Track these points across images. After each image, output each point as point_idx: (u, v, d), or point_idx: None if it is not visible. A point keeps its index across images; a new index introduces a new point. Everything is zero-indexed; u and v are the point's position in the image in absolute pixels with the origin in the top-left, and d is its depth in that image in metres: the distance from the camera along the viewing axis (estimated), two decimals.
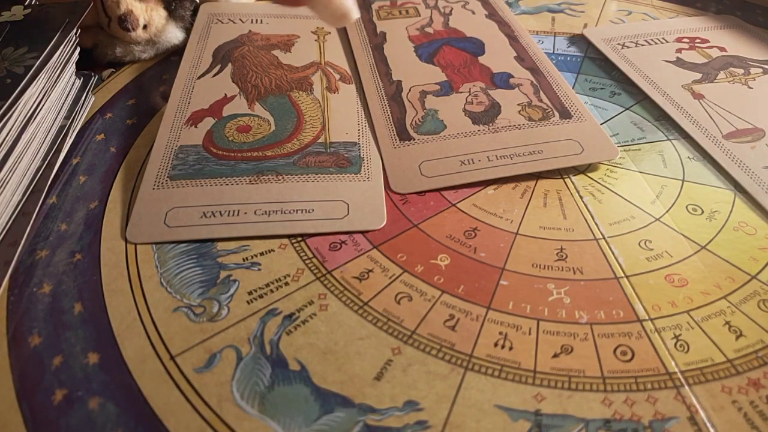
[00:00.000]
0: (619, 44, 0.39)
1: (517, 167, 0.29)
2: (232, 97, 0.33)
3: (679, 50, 0.38)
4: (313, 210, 0.27)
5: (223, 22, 0.40)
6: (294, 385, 0.21)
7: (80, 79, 0.35)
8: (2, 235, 0.26)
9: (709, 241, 0.26)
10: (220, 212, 0.26)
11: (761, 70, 0.36)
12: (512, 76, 0.35)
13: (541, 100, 0.33)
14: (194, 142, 0.30)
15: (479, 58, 0.37)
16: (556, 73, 0.35)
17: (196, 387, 0.21)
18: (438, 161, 0.29)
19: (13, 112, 0.27)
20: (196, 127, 0.31)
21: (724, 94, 0.34)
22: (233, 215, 0.26)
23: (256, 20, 0.40)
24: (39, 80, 0.30)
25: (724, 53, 0.37)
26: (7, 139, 0.27)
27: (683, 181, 0.29)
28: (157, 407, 0.20)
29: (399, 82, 0.35)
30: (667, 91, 0.34)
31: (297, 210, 0.27)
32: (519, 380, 0.21)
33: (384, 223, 0.26)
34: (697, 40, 0.39)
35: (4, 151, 0.27)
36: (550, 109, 0.32)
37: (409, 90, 0.34)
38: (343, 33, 0.40)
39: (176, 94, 0.34)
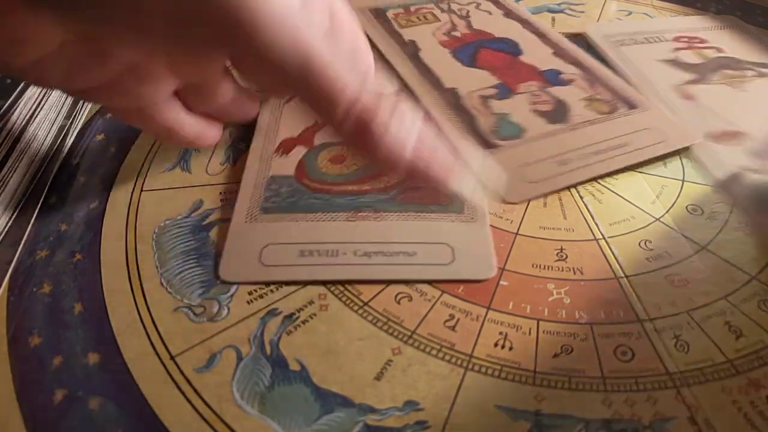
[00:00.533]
0: (618, 41, 0.38)
1: (613, 162, 0.28)
2: (323, 125, 0.31)
3: (676, 50, 0.38)
4: (415, 253, 0.25)
5: None
6: (294, 385, 0.21)
7: None
8: (2, 235, 0.26)
9: (709, 242, 0.26)
10: (318, 251, 0.24)
11: (755, 72, 0.35)
12: (561, 72, 0.34)
13: (600, 94, 0.32)
14: (286, 173, 0.28)
15: (519, 57, 0.36)
16: (599, 65, 0.35)
17: (196, 387, 0.21)
18: (536, 165, 0.28)
19: (13, 112, 0.28)
20: (287, 156, 0.29)
21: (714, 96, 0.33)
22: (332, 255, 0.24)
23: None
24: None
25: (720, 54, 0.37)
26: (7, 139, 0.27)
27: (683, 181, 0.29)
28: (157, 407, 0.20)
29: (453, 89, 0.33)
30: (659, 91, 0.34)
31: (398, 252, 0.25)
32: (519, 380, 0.21)
33: (494, 272, 0.24)
34: (696, 40, 0.39)
35: (4, 151, 0.27)
36: (614, 102, 0.32)
37: (467, 96, 0.33)
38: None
39: (264, 119, 0.32)
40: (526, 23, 0.40)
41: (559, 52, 0.36)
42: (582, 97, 0.32)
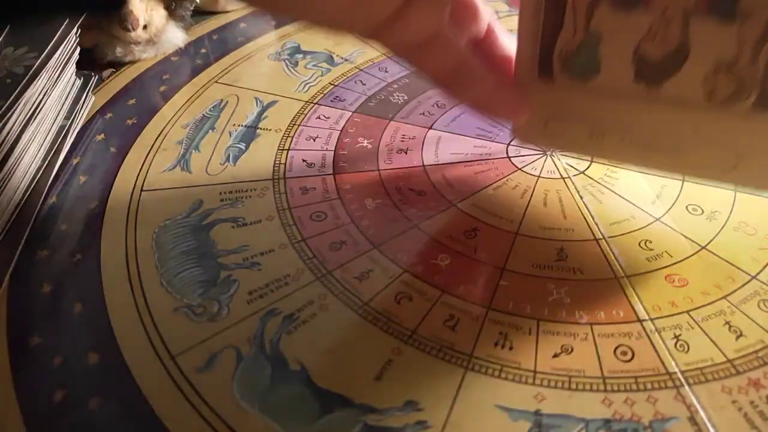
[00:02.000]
0: None
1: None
2: None
3: None
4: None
5: None
6: (294, 385, 0.21)
7: (80, 79, 0.35)
8: (2, 235, 0.26)
9: (709, 241, 0.26)
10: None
11: None
12: None
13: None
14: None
15: None
16: None
17: (196, 387, 0.21)
18: (565, 125, 0.24)
19: (13, 112, 0.28)
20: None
21: None
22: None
23: None
24: (39, 80, 0.30)
25: None
26: (7, 139, 0.27)
27: (683, 181, 0.29)
28: (157, 407, 0.20)
29: None
30: None
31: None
32: (519, 380, 0.21)
33: None
34: None
35: (4, 151, 0.27)
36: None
37: None
38: None
39: None
40: None
41: None
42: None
